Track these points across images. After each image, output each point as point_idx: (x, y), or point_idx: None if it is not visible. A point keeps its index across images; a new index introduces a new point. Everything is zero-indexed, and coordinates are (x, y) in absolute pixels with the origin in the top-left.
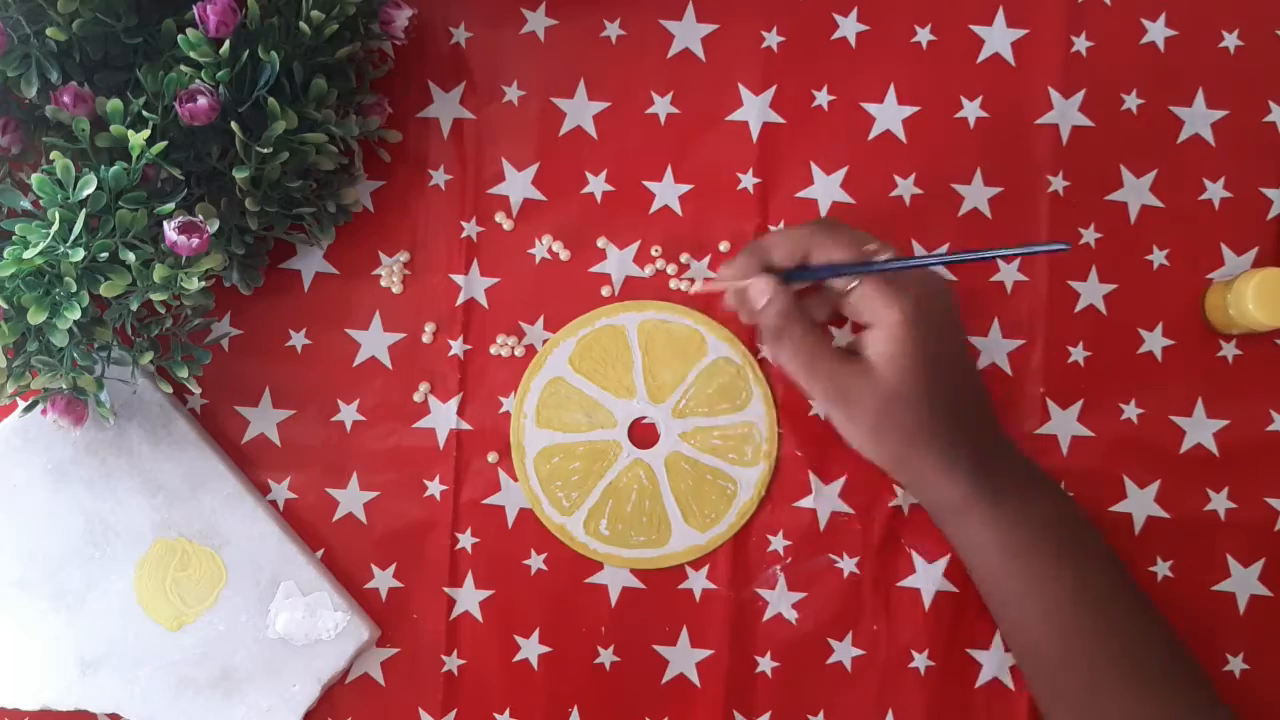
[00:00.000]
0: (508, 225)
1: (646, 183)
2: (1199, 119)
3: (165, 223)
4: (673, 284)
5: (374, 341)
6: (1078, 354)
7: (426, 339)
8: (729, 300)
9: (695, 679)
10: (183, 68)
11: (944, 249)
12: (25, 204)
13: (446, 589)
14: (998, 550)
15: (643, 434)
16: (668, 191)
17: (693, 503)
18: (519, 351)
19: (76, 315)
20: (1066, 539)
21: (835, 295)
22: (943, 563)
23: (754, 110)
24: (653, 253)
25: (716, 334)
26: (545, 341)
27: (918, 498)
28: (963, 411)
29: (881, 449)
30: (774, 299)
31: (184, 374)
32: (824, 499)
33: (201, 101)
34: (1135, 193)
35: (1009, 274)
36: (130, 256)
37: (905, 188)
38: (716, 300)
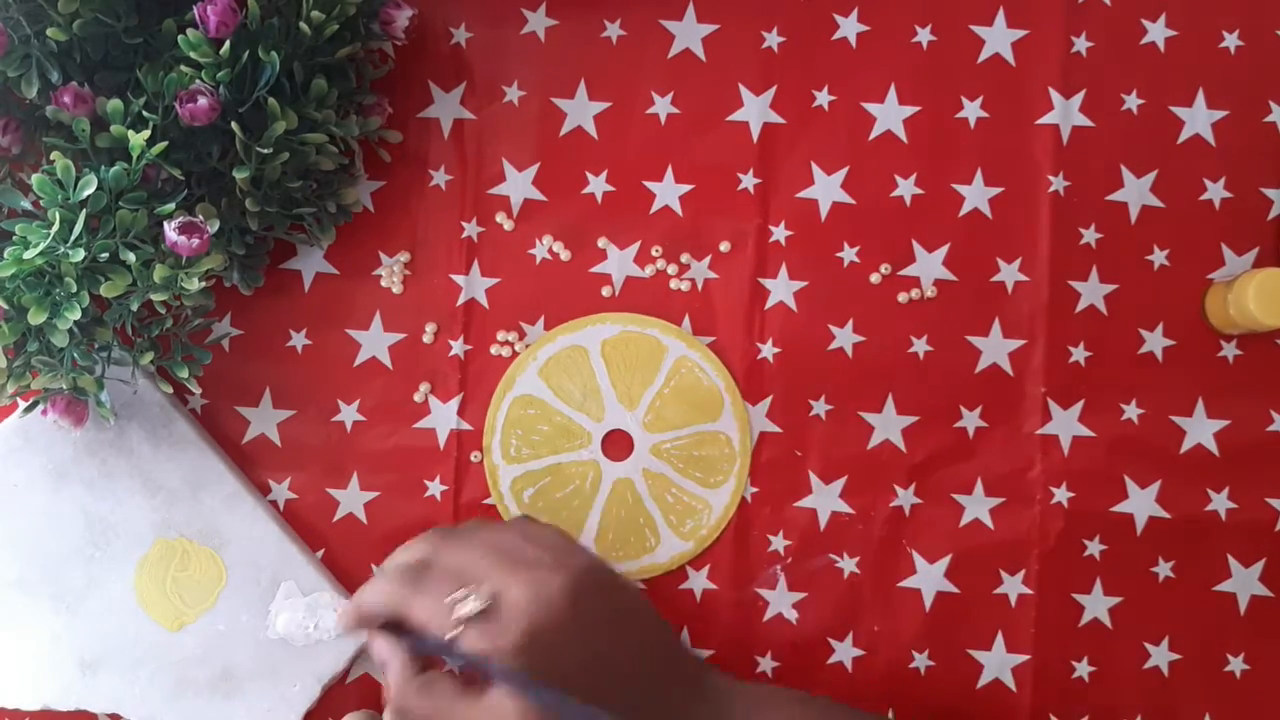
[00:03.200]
0: (508, 225)
1: (646, 183)
2: (1199, 119)
3: (165, 223)
4: (673, 284)
5: (374, 341)
6: (1078, 354)
7: (427, 339)
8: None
9: None
10: (183, 68)
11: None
12: (25, 204)
13: None
14: None
15: (617, 443)
16: (668, 191)
17: (672, 514)
18: (520, 350)
19: (77, 315)
20: None
21: None
22: (944, 563)
23: (754, 110)
24: (653, 253)
25: (672, 334)
26: (516, 359)
27: None
28: (632, 690)
29: None
30: (389, 665)
31: (184, 374)
32: (824, 499)
33: (202, 102)
34: (1135, 193)
35: (1009, 274)
36: (130, 257)
37: (905, 188)
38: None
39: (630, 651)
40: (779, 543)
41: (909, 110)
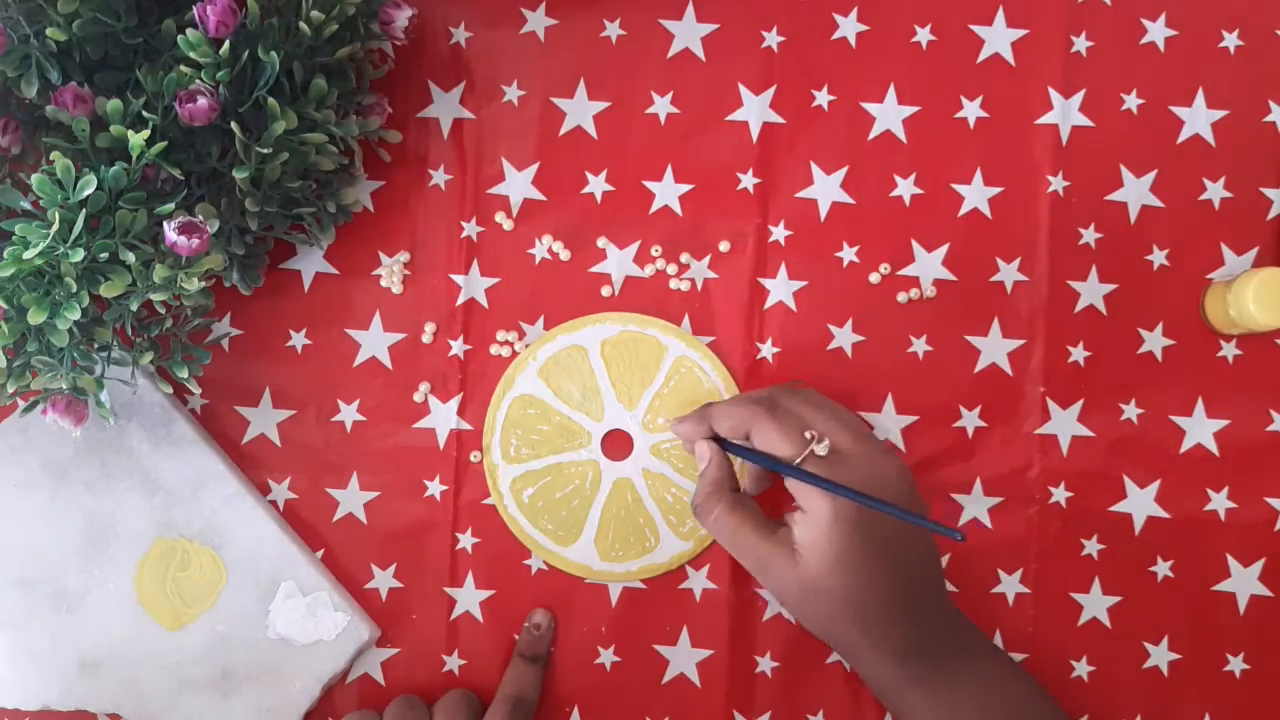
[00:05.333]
0: (508, 225)
1: (646, 183)
2: (1199, 119)
3: (165, 223)
4: (673, 284)
5: (374, 341)
6: (1078, 354)
7: (426, 339)
8: (685, 447)
9: (695, 679)
10: (183, 68)
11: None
12: (25, 204)
13: (447, 589)
14: None
15: (617, 443)
16: (668, 191)
17: (672, 514)
18: (520, 350)
19: (76, 315)
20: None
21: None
22: (942, 562)
23: (754, 110)
24: (653, 253)
25: (672, 334)
26: (514, 361)
27: (856, 670)
28: (895, 597)
29: (807, 625)
30: (708, 469)
31: (184, 374)
32: None
33: (201, 102)
34: (1135, 193)
35: (1009, 274)
36: (130, 257)
37: (905, 188)
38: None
39: (920, 551)
40: None
41: (909, 110)
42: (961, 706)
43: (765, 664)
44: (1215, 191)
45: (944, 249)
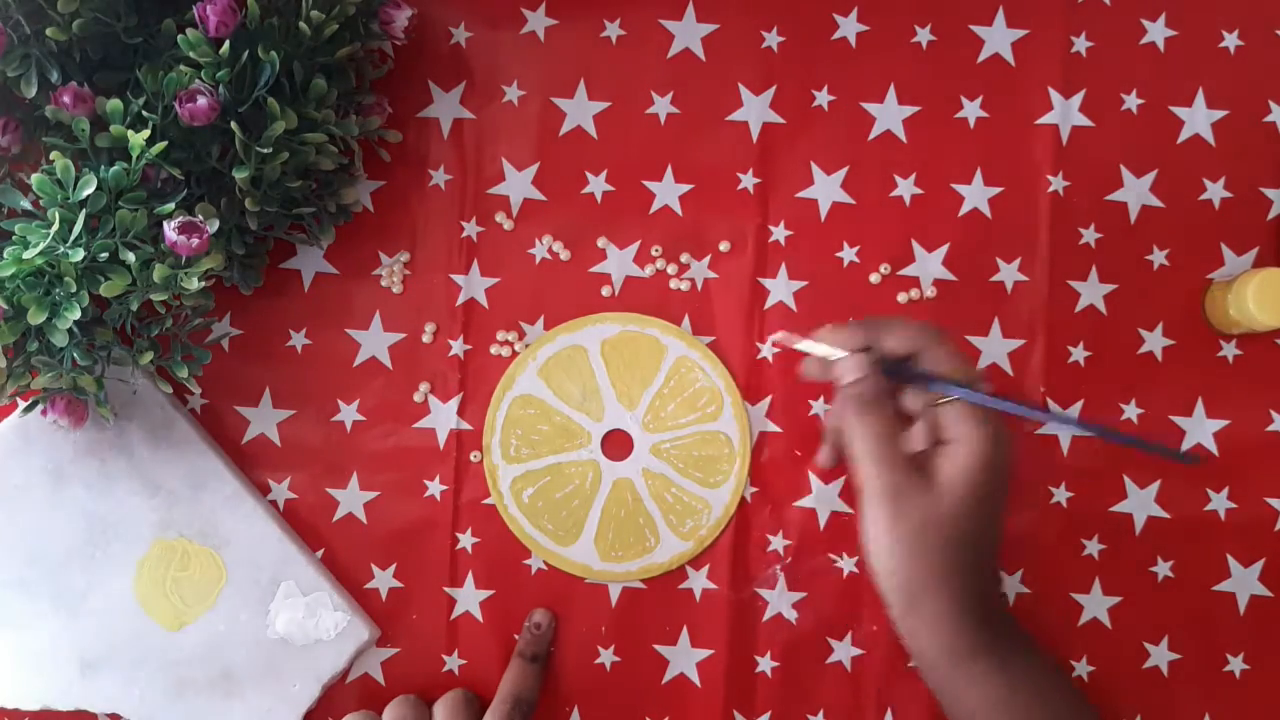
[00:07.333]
0: (508, 225)
1: (646, 183)
2: (1199, 119)
3: (165, 223)
4: (673, 284)
5: (374, 341)
6: (1078, 354)
7: (426, 339)
8: (808, 366)
9: (695, 679)
10: (183, 68)
11: (1075, 409)
12: (25, 204)
13: (446, 589)
14: (989, 711)
15: (617, 443)
16: (668, 191)
17: (672, 514)
18: (520, 350)
19: (76, 315)
20: (1059, 710)
21: (924, 403)
22: None
23: (754, 110)
24: (653, 253)
25: (672, 334)
26: (514, 361)
27: (915, 642)
28: (984, 558)
29: (902, 567)
30: (869, 377)
31: (184, 374)
32: (824, 499)
33: (201, 101)
34: (1135, 193)
35: (1009, 274)
36: (130, 256)
37: (905, 188)
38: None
39: (1001, 520)
40: (779, 543)
41: (909, 110)
42: (1018, 685)
43: (765, 664)
44: (1215, 191)
45: (944, 249)
